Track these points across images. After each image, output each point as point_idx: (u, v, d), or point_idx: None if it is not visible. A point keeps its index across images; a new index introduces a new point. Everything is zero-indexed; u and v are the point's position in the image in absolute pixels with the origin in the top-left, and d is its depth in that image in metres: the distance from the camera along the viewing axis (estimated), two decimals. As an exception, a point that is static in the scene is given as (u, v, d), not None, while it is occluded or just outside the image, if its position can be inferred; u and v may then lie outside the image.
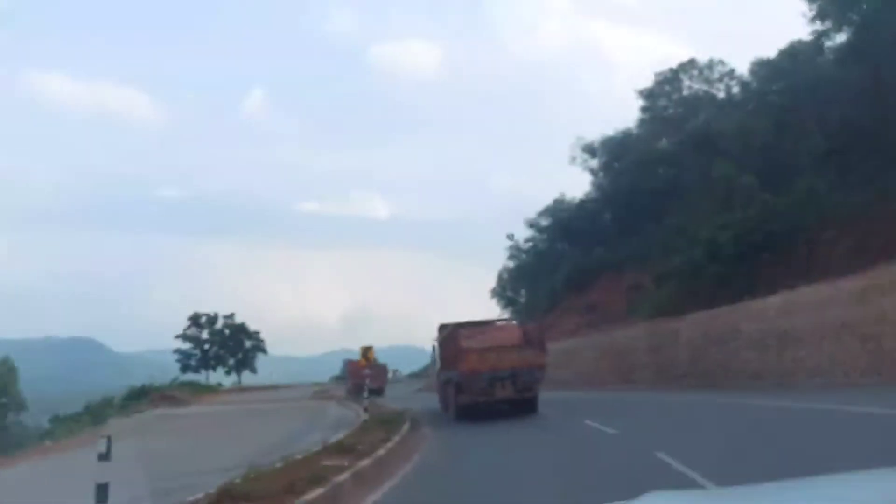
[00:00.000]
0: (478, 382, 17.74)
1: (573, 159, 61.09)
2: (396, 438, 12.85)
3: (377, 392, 43.50)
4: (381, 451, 11.15)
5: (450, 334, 20.34)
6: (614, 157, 58.59)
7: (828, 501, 1.90)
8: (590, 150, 60.45)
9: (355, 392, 34.22)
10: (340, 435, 13.30)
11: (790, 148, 31.45)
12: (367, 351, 25.76)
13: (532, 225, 79.14)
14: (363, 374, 45.87)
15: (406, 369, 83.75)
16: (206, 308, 74.41)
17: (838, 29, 29.58)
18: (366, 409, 21.44)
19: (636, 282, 43.52)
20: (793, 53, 40.93)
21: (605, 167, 59.93)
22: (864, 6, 27.95)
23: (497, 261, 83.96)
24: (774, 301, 21.30)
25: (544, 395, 19.51)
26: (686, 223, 34.62)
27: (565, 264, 57.17)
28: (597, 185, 62.06)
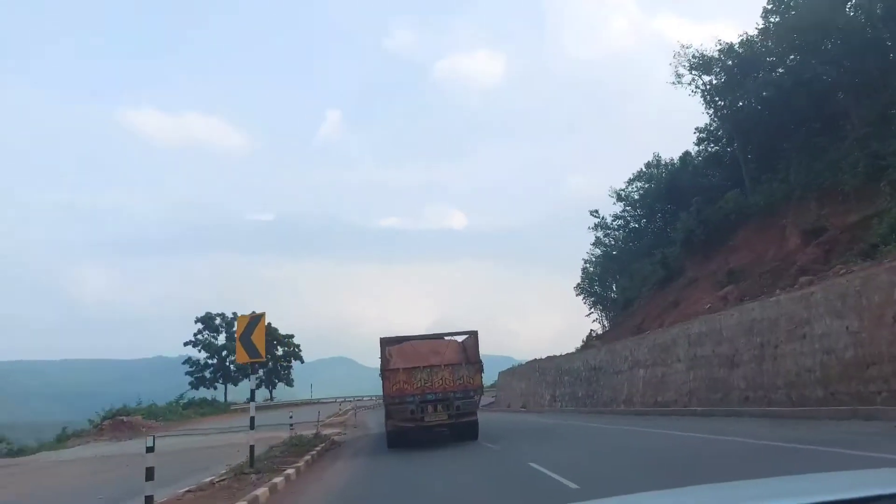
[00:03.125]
0: (405, 407, 15.37)
1: (678, 78, 44.02)
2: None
3: None
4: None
5: (382, 351, 16.33)
6: (739, 72, 41.44)
7: None
8: (702, 64, 43.21)
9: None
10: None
11: None
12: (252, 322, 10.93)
13: (621, 197, 63.77)
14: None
15: (488, 380, 77.47)
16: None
17: None
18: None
19: (815, 222, 26.46)
20: None
21: (725, 87, 42.51)
22: None
23: (579, 260, 71.11)
24: None
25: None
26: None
27: (681, 227, 40.26)
28: (714, 114, 44.72)
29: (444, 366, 15.69)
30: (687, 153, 54.47)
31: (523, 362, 57.78)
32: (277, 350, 64.56)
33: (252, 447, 10.80)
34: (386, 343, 16.46)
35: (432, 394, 15.48)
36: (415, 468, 11.48)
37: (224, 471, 10.62)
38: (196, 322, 57.72)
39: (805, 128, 33.05)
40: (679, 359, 19.10)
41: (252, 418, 11.15)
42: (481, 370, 16.29)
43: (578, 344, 54.50)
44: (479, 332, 16.50)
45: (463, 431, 16.04)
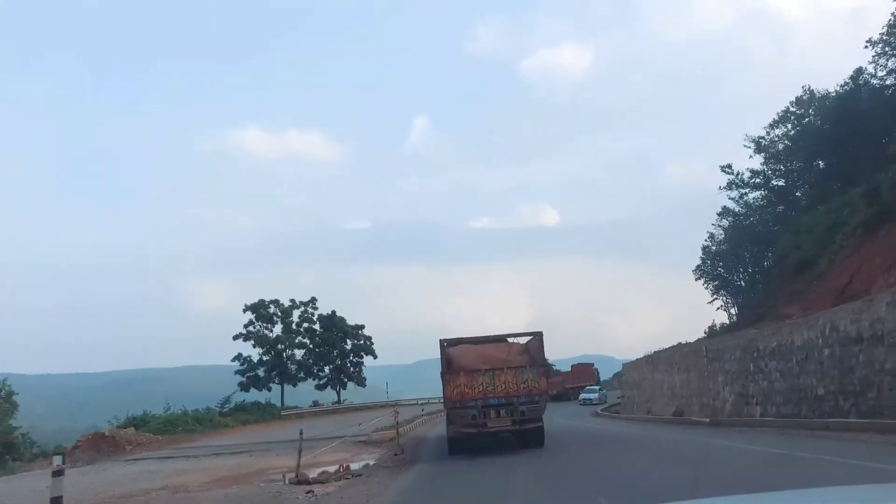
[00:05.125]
0: (467, 412, 14.91)
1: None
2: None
3: None
4: None
5: (442, 354, 16.12)
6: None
7: None
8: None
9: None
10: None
11: None
12: None
13: (761, 147, 50.09)
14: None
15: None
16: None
17: None
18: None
19: None
20: None
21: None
22: None
23: (686, 251, 58.41)
24: None
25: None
26: None
27: None
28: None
29: (508, 369, 15.10)
30: (859, 70, 40.47)
31: (629, 361, 44.82)
32: (346, 344, 55.69)
33: None
34: (446, 345, 16.19)
35: (495, 398, 14.88)
36: None
37: None
38: (245, 311, 49.32)
39: None
40: None
41: None
42: (547, 374, 16.23)
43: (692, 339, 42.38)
44: (543, 333, 16.00)
45: (528, 438, 15.55)
